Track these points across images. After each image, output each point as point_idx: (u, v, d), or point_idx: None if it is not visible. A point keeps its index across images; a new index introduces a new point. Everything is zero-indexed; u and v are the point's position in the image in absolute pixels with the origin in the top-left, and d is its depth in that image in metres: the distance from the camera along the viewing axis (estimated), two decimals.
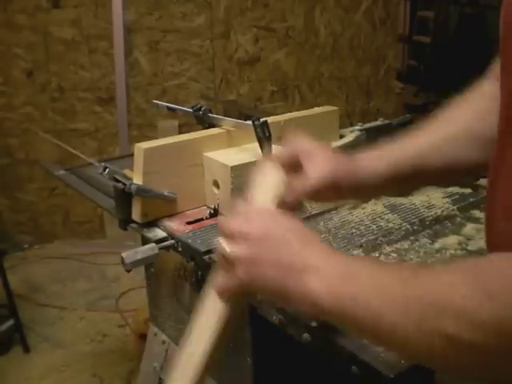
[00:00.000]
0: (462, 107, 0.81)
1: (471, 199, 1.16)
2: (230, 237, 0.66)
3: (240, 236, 0.66)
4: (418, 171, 0.78)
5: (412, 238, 1.02)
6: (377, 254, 0.96)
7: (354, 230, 1.05)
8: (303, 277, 0.60)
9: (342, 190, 0.77)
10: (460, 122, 0.80)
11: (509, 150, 0.58)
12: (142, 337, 1.79)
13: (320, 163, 0.74)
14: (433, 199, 1.18)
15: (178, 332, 1.27)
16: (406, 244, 1.00)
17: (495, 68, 0.77)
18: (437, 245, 0.99)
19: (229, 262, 0.66)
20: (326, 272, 0.59)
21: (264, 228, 0.66)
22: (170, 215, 1.14)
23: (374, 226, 1.07)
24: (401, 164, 0.78)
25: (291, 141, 0.78)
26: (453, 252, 0.97)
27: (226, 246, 0.66)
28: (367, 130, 1.46)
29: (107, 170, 1.13)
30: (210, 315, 0.70)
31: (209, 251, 0.99)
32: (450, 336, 0.48)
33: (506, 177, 0.59)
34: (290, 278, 0.61)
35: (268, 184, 0.74)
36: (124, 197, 1.11)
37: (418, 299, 0.51)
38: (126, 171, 1.16)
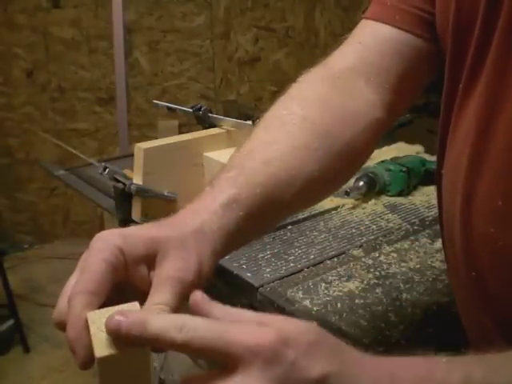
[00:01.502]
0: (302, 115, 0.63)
1: None
2: None
3: None
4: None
5: (412, 237, 1.02)
6: (377, 254, 0.96)
7: (353, 230, 1.05)
8: None
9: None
10: (299, 142, 0.62)
11: (488, 149, 0.54)
12: None
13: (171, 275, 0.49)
14: (433, 199, 1.18)
15: None
16: (405, 244, 1.00)
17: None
18: (437, 245, 0.99)
19: None
20: None
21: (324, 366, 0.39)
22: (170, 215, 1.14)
23: (374, 226, 1.07)
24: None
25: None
26: None
27: None
28: None
29: (107, 169, 1.13)
30: None
31: None
32: None
33: (488, 176, 0.54)
34: None
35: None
36: (124, 197, 1.11)
37: None
38: (126, 171, 1.16)
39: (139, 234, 0.51)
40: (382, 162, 1.25)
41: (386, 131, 0.67)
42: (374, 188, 1.17)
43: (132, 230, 0.53)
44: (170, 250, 0.50)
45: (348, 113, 0.63)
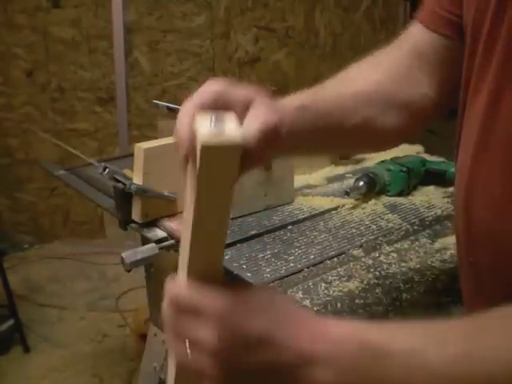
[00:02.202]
0: (375, 68, 0.77)
1: None
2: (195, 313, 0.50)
3: (219, 353, 0.48)
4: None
5: (412, 237, 1.02)
6: (377, 254, 0.96)
7: (354, 230, 1.05)
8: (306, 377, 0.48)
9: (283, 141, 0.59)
10: (371, 82, 0.74)
11: (491, 134, 0.57)
12: (142, 337, 1.79)
13: (261, 115, 0.55)
14: (433, 199, 1.18)
15: None
16: (405, 244, 1.00)
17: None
18: (437, 245, 0.99)
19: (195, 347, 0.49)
20: (339, 361, 0.48)
21: (253, 328, 0.48)
22: (170, 215, 1.14)
23: (374, 226, 1.07)
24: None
25: (212, 89, 0.61)
26: (453, 252, 0.97)
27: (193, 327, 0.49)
28: None
29: (107, 170, 1.13)
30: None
31: None
32: None
33: (489, 164, 0.57)
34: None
35: None
36: (124, 197, 1.11)
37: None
38: (126, 171, 1.16)
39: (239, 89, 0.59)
40: (382, 161, 1.25)
41: (435, 115, 0.77)
42: (374, 188, 1.17)
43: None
44: (262, 102, 0.57)
45: (407, 85, 0.74)
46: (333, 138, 0.71)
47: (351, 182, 1.29)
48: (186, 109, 0.60)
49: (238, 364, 0.48)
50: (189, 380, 0.55)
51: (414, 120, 0.74)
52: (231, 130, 0.47)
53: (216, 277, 0.51)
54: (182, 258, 0.56)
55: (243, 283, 0.54)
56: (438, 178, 1.25)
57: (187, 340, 0.50)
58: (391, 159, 1.27)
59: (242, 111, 0.56)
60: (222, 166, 0.48)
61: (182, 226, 0.56)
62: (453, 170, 1.15)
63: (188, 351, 0.49)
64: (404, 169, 1.20)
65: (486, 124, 0.58)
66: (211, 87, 0.61)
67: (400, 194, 1.20)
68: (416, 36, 0.76)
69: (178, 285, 0.54)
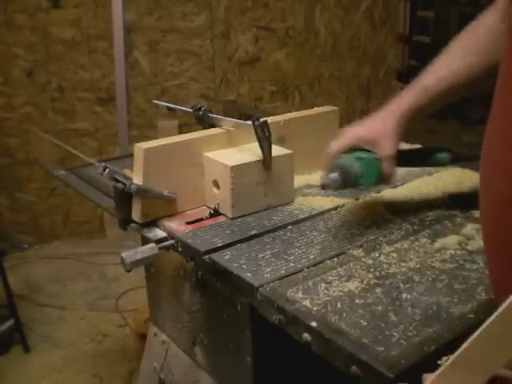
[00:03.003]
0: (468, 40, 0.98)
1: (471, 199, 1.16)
2: None
3: None
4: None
5: (412, 238, 1.02)
6: (377, 254, 0.96)
7: (354, 230, 1.05)
8: None
9: None
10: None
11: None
12: (142, 337, 1.79)
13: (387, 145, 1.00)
14: (433, 199, 1.18)
15: (178, 332, 1.27)
16: (405, 244, 1.00)
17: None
18: (437, 245, 0.99)
19: None
20: None
21: None
22: (170, 215, 1.14)
23: (374, 226, 1.07)
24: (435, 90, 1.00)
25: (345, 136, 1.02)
26: (453, 252, 0.97)
27: None
28: None
29: (107, 170, 1.13)
30: None
31: (208, 251, 0.99)
32: None
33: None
34: None
35: None
36: (124, 197, 1.11)
37: None
38: (126, 171, 1.16)
39: (362, 136, 1.02)
40: (352, 151, 1.04)
41: None
42: (348, 179, 1.00)
43: (360, 131, 1.03)
44: (378, 141, 1.01)
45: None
46: (454, 96, 1.03)
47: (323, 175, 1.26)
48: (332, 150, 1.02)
49: None
50: None
51: None
52: None
53: None
54: None
55: None
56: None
57: None
58: (359, 149, 1.05)
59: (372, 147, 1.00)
60: None
61: None
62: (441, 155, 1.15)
63: None
64: (378, 156, 1.02)
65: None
66: (345, 140, 1.03)
67: (376, 185, 1.07)
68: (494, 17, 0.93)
69: None
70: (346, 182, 1.00)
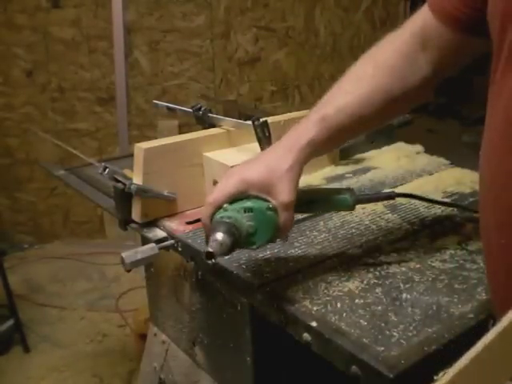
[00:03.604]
0: (378, 68, 0.88)
1: (471, 199, 1.16)
2: None
3: None
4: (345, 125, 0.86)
5: (412, 238, 1.02)
6: (377, 254, 0.96)
7: (353, 230, 1.05)
8: None
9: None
10: (374, 82, 0.87)
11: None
12: (142, 337, 1.79)
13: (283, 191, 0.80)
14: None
15: (178, 332, 1.27)
16: (406, 244, 1.00)
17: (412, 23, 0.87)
18: (437, 245, 0.99)
19: None
20: None
21: None
22: (170, 215, 1.14)
23: (374, 226, 1.06)
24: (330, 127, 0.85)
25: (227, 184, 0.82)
26: (453, 252, 0.97)
27: None
28: None
29: (107, 170, 1.13)
30: None
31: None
32: None
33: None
34: None
35: None
36: (124, 197, 1.11)
37: None
38: (126, 171, 1.16)
39: (251, 181, 0.81)
40: (236, 200, 0.81)
41: (433, 86, 0.90)
42: (238, 238, 0.78)
43: (248, 175, 0.81)
44: (272, 186, 0.80)
45: (407, 74, 0.86)
46: (357, 128, 0.90)
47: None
48: (210, 203, 0.81)
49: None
50: None
51: (415, 99, 0.89)
52: None
53: None
54: None
55: None
56: None
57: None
58: (234, 201, 0.81)
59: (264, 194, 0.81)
60: None
61: None
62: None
63: None
64: (271, 205, 0.80)
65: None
66: (229, 188, 0.81)
67: (270, 242, 0.84)
68: (426, 20, 0.84)
69: None
70: (236, 242, 0.77)
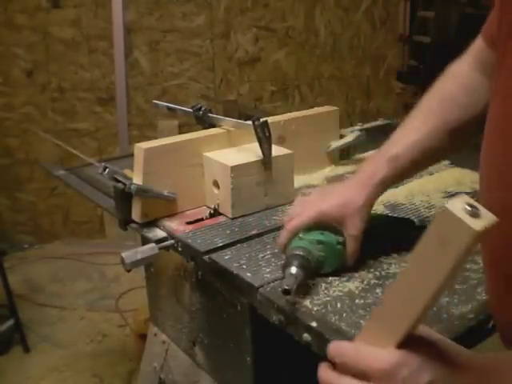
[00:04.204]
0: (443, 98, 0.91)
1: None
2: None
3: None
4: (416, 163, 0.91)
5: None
6: (377, 254, 0.96)
7: None
8: None
9: None
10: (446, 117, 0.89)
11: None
12: (142, 337, 1.79)
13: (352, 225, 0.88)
14: (433, 199, 1.18)
15: (178, 332, 1.27)
16: (406, 244, 1.00)
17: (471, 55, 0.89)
18: None
19: None
20: None
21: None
22: (170, 215, 1.14)
23: None
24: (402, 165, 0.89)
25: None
26: None
27: None
28: (367, 130, 1.46)
29: (107, 170, 1.13)
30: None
31: (209, 251, 0.99)
32: None
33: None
34: None
35: None
36: (124, 197, 1.11)
37: None
38: (126, 171, 1.16)
39: (327, 213, 0.88)
40: (309, 230, 0.89)
41: None
42: (309, 269, 0.85)
43: (324, 208, 0.88)
44: (345, 219, 0.88)
45: (470, 104, 0.88)
46: (428, 161, 0.96)
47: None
48: (288, 230, 0.88)
49: None
50: None
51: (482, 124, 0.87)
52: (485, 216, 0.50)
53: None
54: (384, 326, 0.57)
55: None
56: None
57: None
58: (312, 228, 0.89)
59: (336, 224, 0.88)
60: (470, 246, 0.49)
61: (392, 295, 0.57)
62: None
63: None
64: (340, 239, 0.89)
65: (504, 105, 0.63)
66: (306, 218, 0.88)
67: (336, 271, 0.91)
68: (481, 48, 0.86)
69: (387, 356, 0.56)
70: (308, 273, 0.84)
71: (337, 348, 0.60)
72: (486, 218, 0.49)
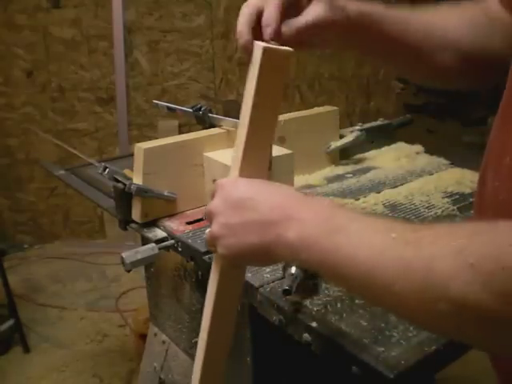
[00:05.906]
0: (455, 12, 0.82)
1: (471, 199, 1.16)
2: (210, 218, 0.69)
3: (216, 212, 0.67)
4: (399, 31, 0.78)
5: None
6: None
7: None
8: (282, 230, 0.60)
9: (331, 33, 0.77)
10: (447, 21, 0.81)
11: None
12: (142, 337, 1.79)
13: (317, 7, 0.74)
14: (433, 199, 1.18)
15: (178, 332, 1.27)
16: None
17: None
18: None
19: (213, 243, 0.68)
20: (306, 222, 0.59)
21: (238, 194, 0.67)
22: (170, 215, 1.14)
23: None
24: (378, 14, 0.77)
25: None
26: None
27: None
28: (367, 130, 1.46)
29: (107, 170, 1.13)
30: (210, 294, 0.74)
31: (209, 251, 0.99)
32: (456, 300, 0.46)
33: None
34: (268, 233, 0.61)
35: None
36: (124, 197, 1.11)
37: (422, 264, 0.48)
38: (126, 171, 1.16)
39: None
40: None
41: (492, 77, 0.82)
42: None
43: None
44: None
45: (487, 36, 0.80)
46: (389, 47, 0.80)
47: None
48: (247, 9, 0.74)
49: (232, 221, 0.64)
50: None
51: (474, 69, 0.80)
52: None
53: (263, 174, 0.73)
54: (234, 159, 0.72)
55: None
56: None
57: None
58: None
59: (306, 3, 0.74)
60: (276, 67, 0.69)
61: (238, 129, 0.75)
62: None
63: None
64: None
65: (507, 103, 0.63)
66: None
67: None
68: (492, 5, 0.80)
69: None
70: (307, 273, 0.78)
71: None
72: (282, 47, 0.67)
